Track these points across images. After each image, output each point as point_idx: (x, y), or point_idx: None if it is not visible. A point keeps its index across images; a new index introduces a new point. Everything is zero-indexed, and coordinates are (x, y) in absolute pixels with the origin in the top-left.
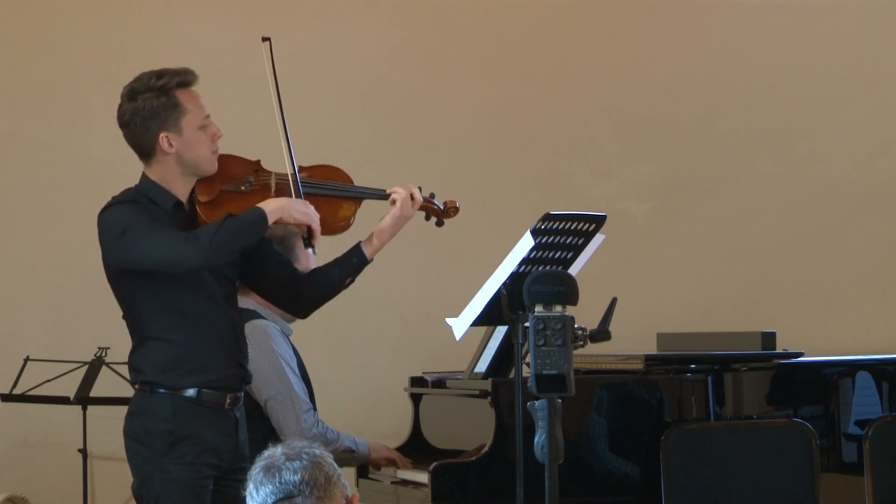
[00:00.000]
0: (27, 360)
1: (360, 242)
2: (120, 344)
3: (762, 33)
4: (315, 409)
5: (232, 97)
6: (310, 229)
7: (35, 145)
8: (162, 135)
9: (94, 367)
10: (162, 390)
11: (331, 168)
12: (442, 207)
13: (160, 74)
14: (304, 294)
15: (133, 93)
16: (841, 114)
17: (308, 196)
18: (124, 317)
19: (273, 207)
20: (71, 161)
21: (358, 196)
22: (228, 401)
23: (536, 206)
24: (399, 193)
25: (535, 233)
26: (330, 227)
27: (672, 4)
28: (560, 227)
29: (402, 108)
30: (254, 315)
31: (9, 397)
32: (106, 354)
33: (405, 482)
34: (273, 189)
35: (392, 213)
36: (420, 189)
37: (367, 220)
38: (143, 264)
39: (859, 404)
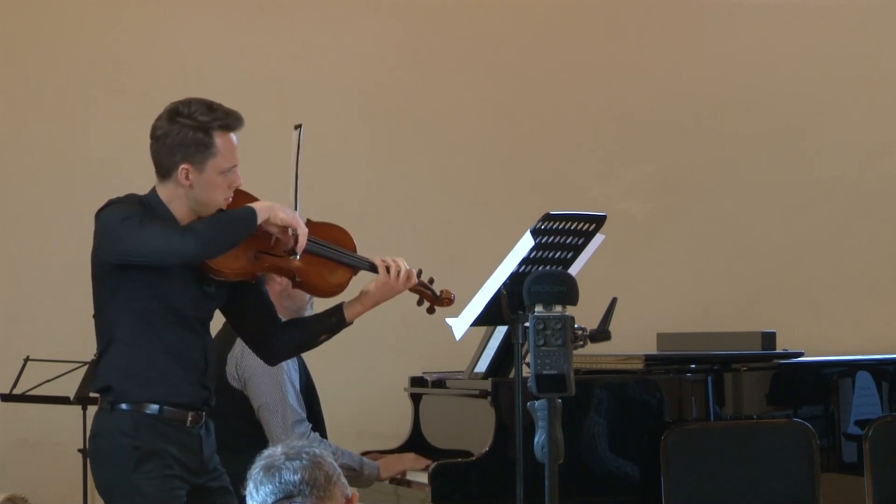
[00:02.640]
0: (27, 360)
1: (342, 303)
2: None
3: (762, 33)
4: (322, 421)
5: (231, 97)
6: (296, 237)
7: (35, 145)
8: (183, 166)
9: (94, 367)
10: (123, 406)
11: (337, 229)
12: (438, 294)
13: (210, 108)
14: (275, 341)
15: (175, 114)
16: (841, 114)
17: (307, 254)
18: (94, 316)
19: (261, 206)
20: (71, 161)
21: (356, 266)
22: (190, 418)
23: (536, 206)
24: (388, 262)
25: (535, 233)
26: (322, 290)
27: (672, 4)
28: (560, 227)
29: (403, 109)
30: None
31: (9, 397)
32: None
33: (406, 482)
34: (273, 239)
35: (378, 279)
36: (420, 273)
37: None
38: (136, 255)
39: (859, 404)
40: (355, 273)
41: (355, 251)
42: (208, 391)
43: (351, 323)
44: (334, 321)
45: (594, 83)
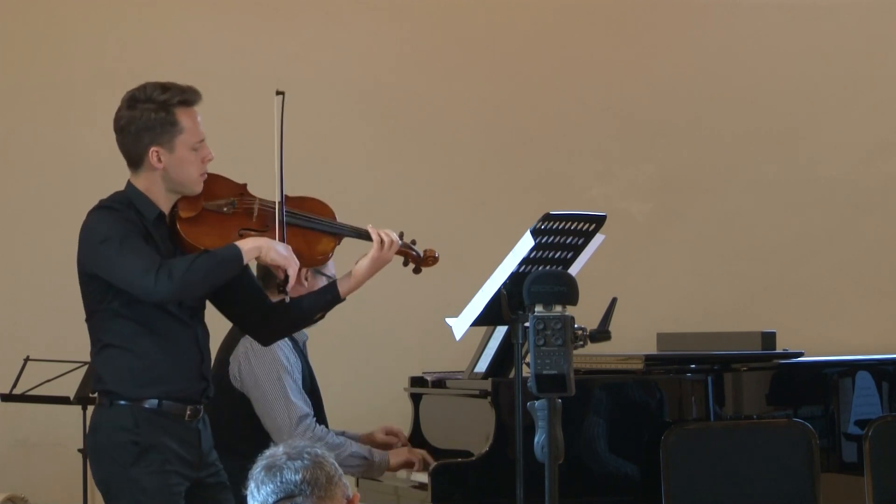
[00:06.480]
0: (27, 360)
1: (336, 279)
2: None
3: (762, 33)
4: (325, 417)
5: (231, 96)
6: (286, 274)
7: (35, 145)
8: (153, 149)
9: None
10: (122, 402)
11: (315, 201)
12: (420, 254)
13: (165, 88)
14: (270, 322)
15: (133, 101)
16: (841, 114)
17: (288, 226)
18: (87, 320)
19: (250, 246)
20: (71, 161)
21: (338, 233)
22: (189, 412)
23: (536, 206)
24: (379, 234)
25: (535, 233)
26: (307, 260)
27: (672, 4)
28: (560, 227)
29: (403, 109)
30: None
31: (9, 397)
32: None
33: (405, 482)
34: (255, 214)
35: (371, 255)
36: (402, 235)
37: (349, 257)
38: (115, 281)
39: (859, 404)
40: (338, 241)
41: (335, 220)
42: (206, 381)
43: (344, 299)
44: (329, 298)
45: (594, 83)
